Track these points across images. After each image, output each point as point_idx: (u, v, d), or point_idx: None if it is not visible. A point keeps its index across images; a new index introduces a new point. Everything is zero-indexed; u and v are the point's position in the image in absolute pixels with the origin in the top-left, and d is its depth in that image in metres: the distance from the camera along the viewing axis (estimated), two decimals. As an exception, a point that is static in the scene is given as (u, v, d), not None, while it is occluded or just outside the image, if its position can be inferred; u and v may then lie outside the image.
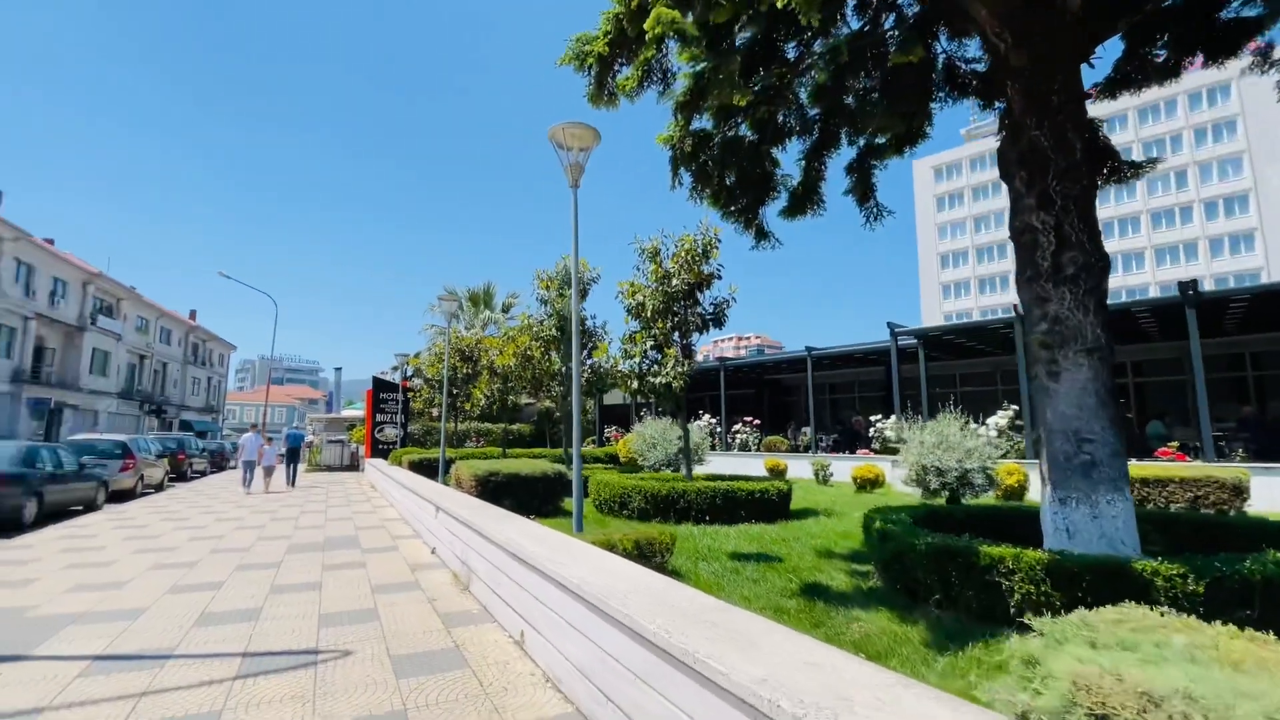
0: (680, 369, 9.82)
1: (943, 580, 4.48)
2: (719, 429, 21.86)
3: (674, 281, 9.89)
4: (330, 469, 27.18)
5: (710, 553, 6.78)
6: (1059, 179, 5.45)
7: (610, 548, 5.28)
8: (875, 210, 7.86)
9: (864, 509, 10.89)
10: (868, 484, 14.20)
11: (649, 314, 10.32)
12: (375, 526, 10.18)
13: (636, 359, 10.32)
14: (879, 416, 18.42)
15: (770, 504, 9.14)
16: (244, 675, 3.76)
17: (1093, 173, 5.80)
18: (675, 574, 5.61)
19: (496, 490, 9.50)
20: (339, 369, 42.65)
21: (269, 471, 16.87)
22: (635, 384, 10.23)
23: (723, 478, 11.24)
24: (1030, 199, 5.52)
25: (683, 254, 10.04)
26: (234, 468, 30.46)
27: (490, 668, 3.93)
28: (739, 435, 21.10)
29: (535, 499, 9.89)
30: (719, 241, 10.37)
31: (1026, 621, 2.30)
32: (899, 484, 15.28)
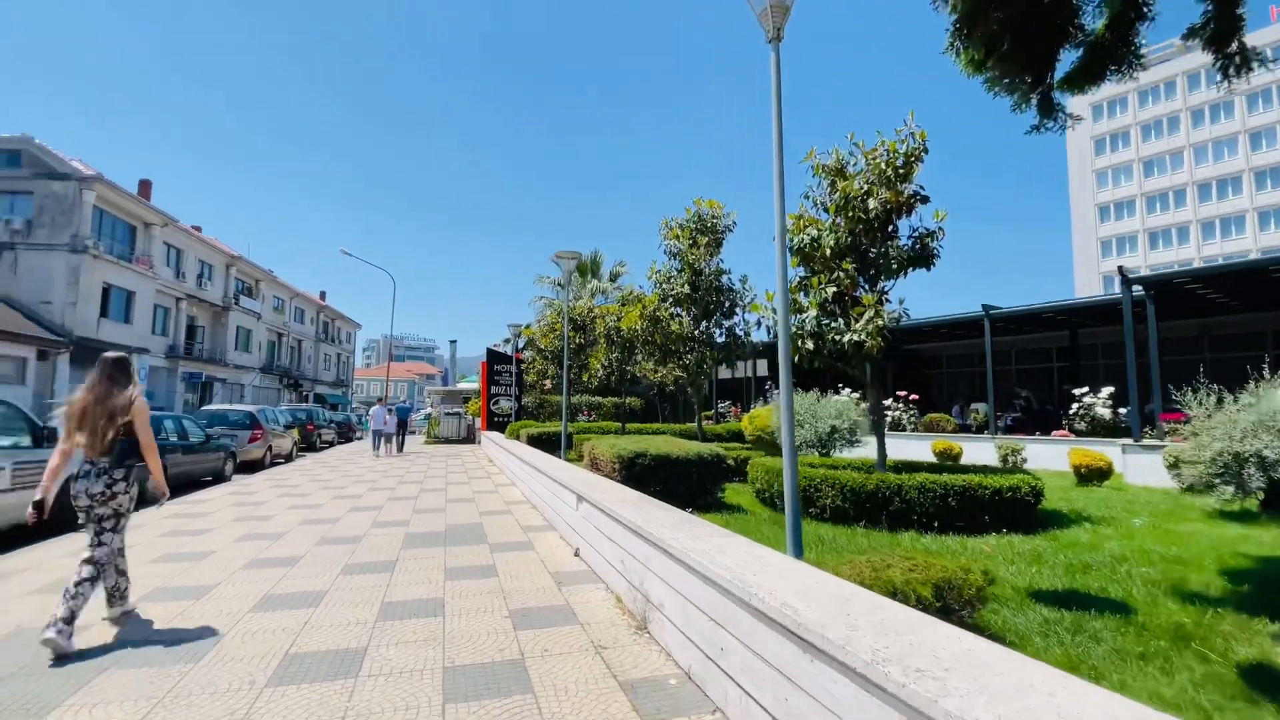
0: (879, 323, 7.42)
1: None
2: (862, 405, 19.02)
3: (870, 204, 7.44)
4: (449, 441, 27.09)
5: (995, 588, 4.48)
6: None
7: (892, 593, 3.17)
8: (1240, 58, 5.02)
9: (1131, 512, 8.00)
10: (1094, 475, 11.08)
11: (826, 253, 7.96)
12: (500, 511, 8.73)
13: (813, 312, 8.02)
14: (1084, 390, 14.89)
15: (1021, 506, 6.62)
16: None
17: None
18: (995, 636, 3.42)
19: (642, 475, 7.66)
20: (454, 342, 43.44)
21: (389, 439, 19.76)
22: (811, 345, 7.94)
23: (919, 466, 8.78)
24: None
25: (880, 165, 7.55)
26: (359, 438, 31.43)
27: None
28: (890, 412, 18.19)
29: (687, 487, 7.97)
30: (926, 150, 7.78)
31: None
32: (1131, 474, 12.00)
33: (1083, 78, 5.38)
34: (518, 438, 17.16)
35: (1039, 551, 5.63)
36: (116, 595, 4.12)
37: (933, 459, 14.69)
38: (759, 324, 8.47)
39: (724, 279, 12.74)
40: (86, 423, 3.93)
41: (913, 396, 18.24)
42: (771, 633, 2.53)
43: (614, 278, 36.15)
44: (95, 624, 4.00)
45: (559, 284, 36.47)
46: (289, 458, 18.44)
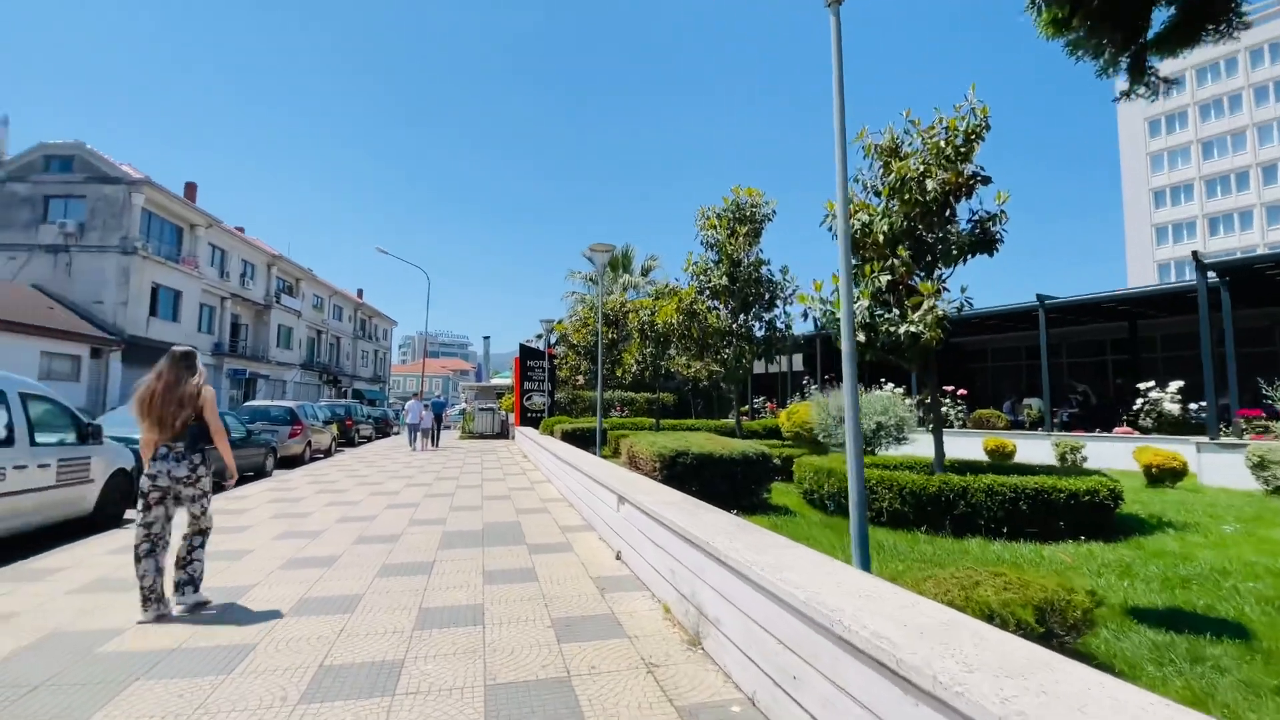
0: (936, 313, 6.95)
1: None
2: (908, 401, 18.32)
3: (928, 185, 6.96)
4: (483, 436, 27.23)
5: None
6: None
7: (988, 617, 2.80)
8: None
9: (1216, 517, 6.99)
10: (1166, 476, 10.34)
11: (879, 239, 7.50)
12: (537, 509, 8.53)
13: (864, 302, 7.57)
14: (1150, 385, 14.02)
15: (1099, 510, 6.10)
16: None
17: None
18: (1104, 665, 3.01)
19: (684, 474, 7.35)
20: (487, 338, 43.83)
21: (426, 433, 20.41)
22: (862, 337, 7.50)
23: (976, 465, 8.27)
24: None
25: (939, 144, 7.07)
26: (397, 433, 31.84)
27: None
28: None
29: (731, 487, 7.62)
30: (988, 126, 7.25)
31: None
32: (1207, 475, 11.17)
33: (1175, 39, 4.83)
34: (552, 433, 17.04)
35: (1126, 562, 5.13)
36: (188, 584, 4.29)
37: (984, 457, 14.02)
38: (805, 315, 8.03)
39: (764, 270, 12.31)
40: (154, 409, 4.16)
41: (961, 392, 17.50)
42: (861, 666, 2.19)
43: (646, 272, 35.84)
44: (130, 628, 3.88)
45: (591, 279, 36.32)
46: (328, 453, 18.66)
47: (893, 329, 7.16)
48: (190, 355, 4.49)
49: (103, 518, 7.01)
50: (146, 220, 28.23)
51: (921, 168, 7.11)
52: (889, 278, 7.35)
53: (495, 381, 36.13)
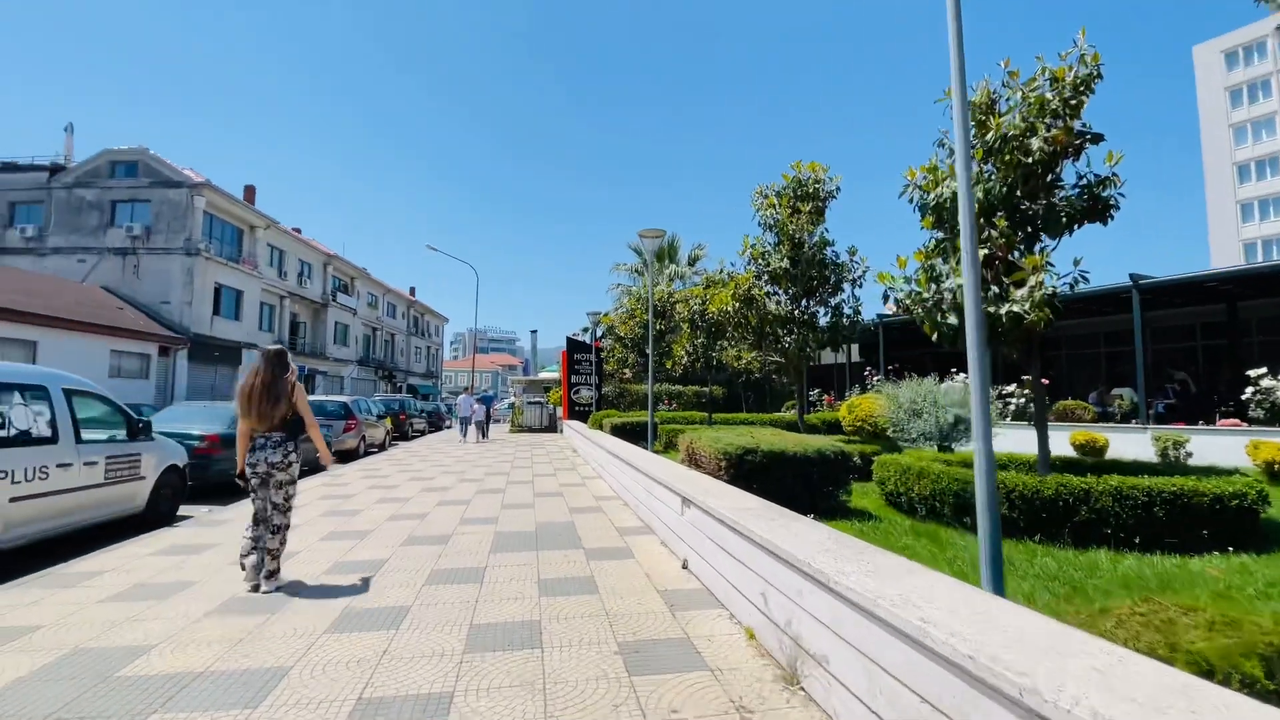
0: (1044, 291, 6.08)
1: None
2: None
3: (1033, 144, 6.08)
4: (531, 430, 27.14)
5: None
6: None
7: (1205, 671, 2.11)
8: None
9: None
10: (1297, 472, 9.10)
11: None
12: (591, 509, 8.06)
13: (955, 280, 6.74)
14: (1262, 371, 12.53)
15: (1244, 515, 5.17)
16: None
17: None
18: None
19: (752, 473, 6.71)
20: (534, 332, 44.01)
21: (478, 426, 20.76)
22: (954, 319, 6.69)
23: (1079, 464, 7.32)
24: None
25: (1043, 96, 6.18)
26: (449, 427, 32.16)
27: None
28: (1013, 400, 16.23)
29: (805, 488, 6.92)
30: (1100, 76, 6.30)
31: None
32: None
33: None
34: (601, 427, 16.62)
35: (1301, 582, 4.25)
36: (268, 571, 4.67)
37: (1071, 453, 12.84)
38: (885, 297, 7.28)
39: (828, 251, 11.47)
40: (254, 403, 4.54)
41: (1042, 381, 16.19)
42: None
43: (693, 262, 35.09)
44: (157, 645, 3.54)
45: (637, 270, 35.81)
46: (382, 447, 18.77)
47: (991, 310, 6.32)
48: (282, 353, 4.81)
49: (154, 515, 6.89)
50: (208, 222, 29.17)
51: (1024, 124, 6.24)
52: (985, 252, 6.50)
53: (543, 375, 36.11)
